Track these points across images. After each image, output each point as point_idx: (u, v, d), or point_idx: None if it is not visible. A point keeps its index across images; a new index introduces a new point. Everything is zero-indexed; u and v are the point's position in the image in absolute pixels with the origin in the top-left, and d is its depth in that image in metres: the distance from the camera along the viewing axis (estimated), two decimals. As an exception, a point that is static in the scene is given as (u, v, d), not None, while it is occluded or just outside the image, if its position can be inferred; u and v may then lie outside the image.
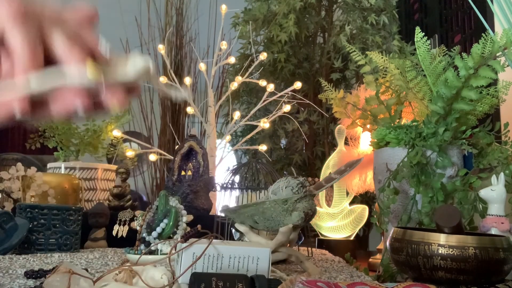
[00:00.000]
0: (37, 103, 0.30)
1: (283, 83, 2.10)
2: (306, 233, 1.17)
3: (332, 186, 1.48)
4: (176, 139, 2.16)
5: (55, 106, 0.30)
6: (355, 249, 1.48)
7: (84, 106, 0.30)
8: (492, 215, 0.75)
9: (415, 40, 0.97)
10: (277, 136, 2.14)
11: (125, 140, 1.77)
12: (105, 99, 0.31)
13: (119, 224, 1.18)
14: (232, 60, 1.82)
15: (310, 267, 0.80)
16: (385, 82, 1.06)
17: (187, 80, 1.83)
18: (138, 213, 1.00)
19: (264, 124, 1.71)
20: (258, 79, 1.83)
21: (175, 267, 0.64)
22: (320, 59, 2.15)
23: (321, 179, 1.13)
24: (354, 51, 1.11)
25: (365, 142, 1.37)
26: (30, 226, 1.01)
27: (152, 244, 0.87)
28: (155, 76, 0.33)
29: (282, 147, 2.18)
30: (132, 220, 1.18)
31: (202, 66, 1.76)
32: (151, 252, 0.86)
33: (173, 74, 1.83)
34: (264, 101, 1.77)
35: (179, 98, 0.33)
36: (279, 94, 1.75)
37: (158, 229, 0.88)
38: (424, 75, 0.97)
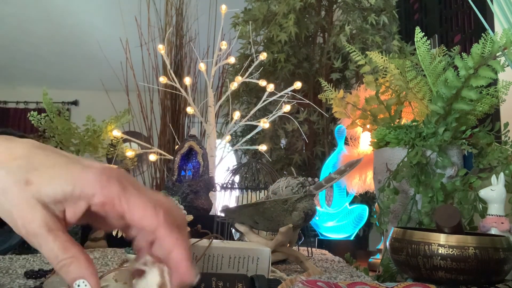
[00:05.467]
0: None
1: (283, 83, 2.10)
2: (306, 233, 1.17)
3: (332, 186, 1.48)
4: (176, 139, 2.16)
5: None
6: (355, 249, 1.48)
7: None
8: (492, 215, 0.75)
9: (415, 40, 0.97)
10: (277, 136, 2.14)
11: (125, 140, 1.77)
12: None
13: (119, 224, 1.18)
14: (232, 60, 1.82)
15: (310, 267, 0.80)
16: (385, 82, 1.06)
17: (187, 80, 1.83)
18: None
19: (264, 124, 1.71)
20: (258, 79, 1.83)
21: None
22: (320, 59, 2.15)
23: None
24: (354, 51, 1.11)
25: (365, 142, 1.37)
26: (30, 226, 1.01)
27: (152, 244, 0.86)
28: None
29: (282, 147, 2.18)
30: (132, 220, 1.18)
31: (202, 66, 1.76)
32: (151, 252, 0.86)
33: (173, 74, 1.83)
34: (264, 101, 1.77)
35: None
36: (279, 94, 1.75)
37: (158, 229, 0.88)
38: (424, 75, 0.97)
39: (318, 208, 1.51)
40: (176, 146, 1.50)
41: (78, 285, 0.30)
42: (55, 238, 0.29)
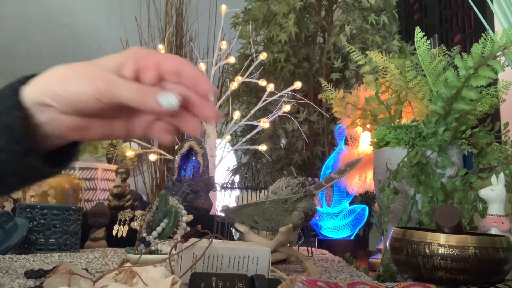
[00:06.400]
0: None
1: (283, 83, 2.10)
2: (306, 233, 1.17)
3: (332, 186, 1.48)
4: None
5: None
6: (355, 249, 1.48)
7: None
8: (492, 215, 0.75)
9: (415, 40, 0.97)
10: (277, 136, 2.14)
11: (125, 140, 1.77)
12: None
13: (119, 224, 1.18)
14: (232, 60, 1.82)
15: (310, 267, 0.80)
16: (385, 82, 1.06)
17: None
18: (138, 213, 1.00)
19: (264, 124, 1.71)
20: (258, 79, 1.83)
21: (175, 267, 0.64)
22: (320, 59, 2.15)
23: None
24: (354, 51, 1.11)
25: (365, 142, 1.37)
26: (30, 226, 1.01)
27: (152, 244, 0.87)
28: None
29: (282, 147, 2.18)
30: (132, 220, 1.18)
31: (202, 66, 1.76)
32: (151, 252, 0.86)
33: (173, 74, 1.82)
34: (264, 101, 1.77)
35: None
36: (279, 94, 1.75)
37: (158, 229, 0.88)
38: (424, 75, 0.97)
39: (318, 208, 1.51)
40: (176, 146, 1.50)
41: (166, 94, 0.39)
42: (129, 81, 0.40)
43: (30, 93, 0.41)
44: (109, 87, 0.39)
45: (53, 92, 0.40)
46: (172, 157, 1.48)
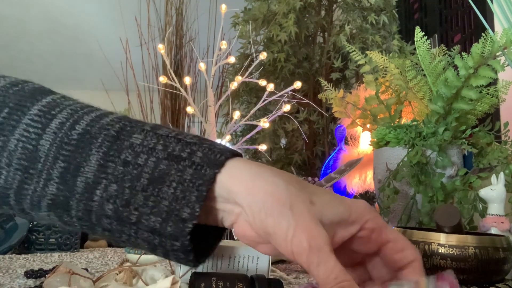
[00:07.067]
0: None
1: (283, 82, 2.10)
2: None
3: (332, 186, 1.48)
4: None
5: None
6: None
7: None
8: (492, 215, 0.75)
9: (415, 39, 0.97)
10: (277, 136, 2.14)
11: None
12: None
13: (119, 224, 1.18)
14: (232, 59, 1.82)
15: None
16: (385, 81, 1.06)
17: (187, 80, 1.83)
18: (138, 213, 0.99)
19: (264, 123, 1.71)
20: (258, 78, 1.83)
21: (175, 267, 0.64)
22: (320, 59, 2.15)
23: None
24: (354, 50, 1.11)
25: (365, 142, 1.37)
26: (30, 226, 1.01)
27: (152, 244, 0.86)
28: None
29: (282, 147, 2.18)
30: (132, 220, 1.18)
31: (202, 66, 1.76)
32: (151, 252, 0.86)
33: (173, 74, 1.83)
34: (264, 100, 1.77)
35: None
36: (279, 94, 1.75)
37: (158, 229, 0.88)
38: (424, 75, 0.97)
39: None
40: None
41: None
42: (335, 258, 0.30)
43: (229, 189, 0.32)
44: (311, 260, 0.29)
45: (255, 210, 0.31)
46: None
